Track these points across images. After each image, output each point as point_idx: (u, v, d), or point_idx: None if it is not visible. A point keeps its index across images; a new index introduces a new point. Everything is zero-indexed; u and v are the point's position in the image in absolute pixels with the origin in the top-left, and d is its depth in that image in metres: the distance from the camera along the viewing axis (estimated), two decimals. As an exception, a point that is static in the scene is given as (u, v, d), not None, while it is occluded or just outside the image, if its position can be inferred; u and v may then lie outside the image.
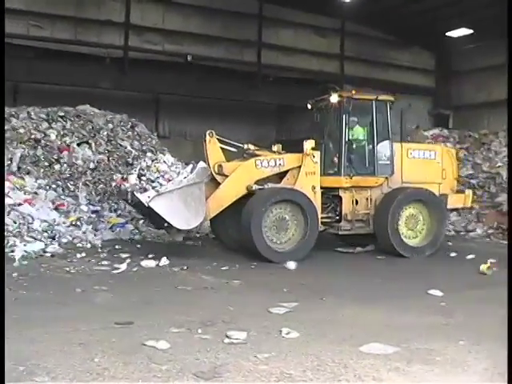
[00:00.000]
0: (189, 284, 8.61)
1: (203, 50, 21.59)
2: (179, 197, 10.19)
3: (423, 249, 11.83)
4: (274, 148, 12.06)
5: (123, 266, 9.60)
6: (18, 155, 14.23)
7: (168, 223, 10.23)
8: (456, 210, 13.37)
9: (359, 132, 12.11)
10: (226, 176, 11.02)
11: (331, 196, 11.88)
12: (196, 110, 21.34)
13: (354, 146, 11.93)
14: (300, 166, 11.34)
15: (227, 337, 5.84)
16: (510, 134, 11.67)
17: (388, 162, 11.98)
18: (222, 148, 11.30)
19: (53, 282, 8.49)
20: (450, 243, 13.32)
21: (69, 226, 11.93)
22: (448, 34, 22.77)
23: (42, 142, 15.32)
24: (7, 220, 11.47)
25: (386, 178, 12.03)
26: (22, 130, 15.68)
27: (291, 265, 10.05)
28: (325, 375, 4.90)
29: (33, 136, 15.45)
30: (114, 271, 9.38)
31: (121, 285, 8.54)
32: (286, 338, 5.95)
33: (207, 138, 11.12)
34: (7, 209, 11.78)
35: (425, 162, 12.36)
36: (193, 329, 6.12)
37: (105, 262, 9.94)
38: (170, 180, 10.59)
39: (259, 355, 5.31)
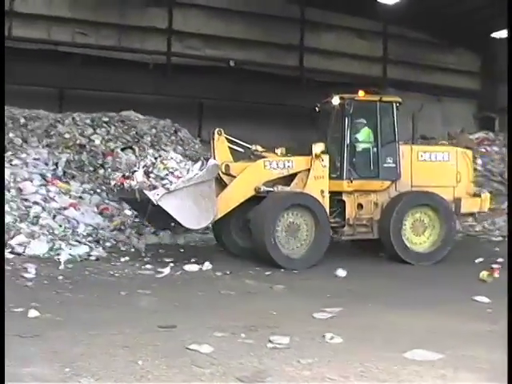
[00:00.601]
0: (232, 288, 8.62)
1: (245, 55, 21.69)
2: (189, 195, 9.90)
3: (430, 255, 11.34)
4: (278, 151, 11.76)
5: (166, 270, 9.64)
6: (63, 160, 14.44)
7: (177, 222, 10.00)
8: (472, 214, 12.69)
9: (365, 134, 11.66)
10: (233, 176, 10.80)
11: (337, 200, 11.52)
12: (238, 115, 21.40)
13: (358, 149, 11.53)
14: (309, 170, 11.08)
15: (270, 341, 5.83)
16: (510, 134, 11.34)
17: (394, 165, 11.52)
18: (229, 148, 11.13)
19: (97, 286, 8.59)
20: (497, 249, 12.85)
21: (113, 230, 12.05)
22: (493, 34, 22.42)
23: (87, 147, 15.55)
24: (53, 224, 11.64)
25: (393, 181, 11.57)
26: (67, 136, 15.95)
27: (341, 272, 9.86)
28: (368, 381, 4.85)
29: (78, 141, 15.71)
30: (158, 275, 9.44)
31: (164, 289, 8.60)
32: (330, 343, 5.91)
33: (215, 136, 10.98)
34: (53, 212, 11.95)
35: (437, 165, 11.85)
36: (236, 333, 6.12)
37: (148, 266, 10.01)
38: (179, 177, 10.12)
39: (302, 360, 5.28)
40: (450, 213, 11.62)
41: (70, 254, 10.43)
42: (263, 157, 11.40)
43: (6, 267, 9.41)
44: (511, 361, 4.52)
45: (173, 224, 10.29)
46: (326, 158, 11.11)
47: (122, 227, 12.21)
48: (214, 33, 21.34)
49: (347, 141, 11.31)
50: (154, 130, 17.18)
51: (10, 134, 15.87)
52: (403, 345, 5.74)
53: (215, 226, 11.61)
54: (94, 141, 15.86)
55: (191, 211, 9.87)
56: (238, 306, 7.56)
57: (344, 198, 11.42)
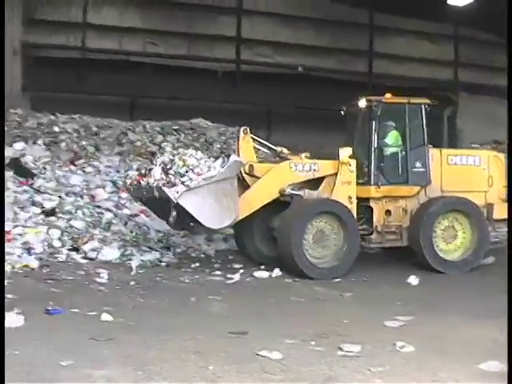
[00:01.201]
0: (302, 295, 8.58)
1: (314, 61, 21.66)
2: (211, 193, 9.45)
3: (463, 264, 10.80)
4: (302, 155, 11.24)
5: (236, 277, 9.68)
6: (134, 167, 14.71)
7: (197, 222, 9.52)
8: (505, 220, 11.87)
9: (393, 138, 11.21)
10: (257, 177, 10.42)
11: (365, 207, 11.02)
12: (307, 121, 21.38)
13: (386, 153, 11.08)
14: (335, 174, 10.65)
15: (341, 349, 5.78)
16: (510, 134, 10.93)
17: (423, 170, 11.02)
18: (254, 148, 10.87)
19: (168, 291, 8.68)
20: None
21: (183, 237, 12.16)
22: None
23: (157, 154, 15.78)
24: (125, 230, 11.86)
25: (422, 186, 11.05)
26: (138, 143, 16.25)
27: (413, 280, 9.69)
28: (443, 391, 4.76)
29: (149, 149, 15.99)
30: (228, 281, 9.48)
31: (235, 295, 8.64)
32: (401, 351, 5.83)
33: (241, 134, 10.69)
34: (124, 219, 12.18)
35: (468, 169, 11.28)
36: (306, 340, 6.10)
37: (218, 272, 10.06)
38: (200, 174, 9.62)
39: (373, 368, 5.22)
40: (482, 219, 11.11)
41: (141, 260, 10.59)
42: (289, 159, 11.05)
43: (80, 272, 9.69)
44: (511, 361, 4.50)
45: (192, 224, 9.78)
46: (353, 162, 10.71)
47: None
48: (283, 40, 21.39)
49: (375, 145, 10.90)
50: (223, 138, 17.33)
51: (83, 142, 16.35)
52: (477, 355, 5.60)
53: (237, 233, 11.35)
54: (164, 148, 16.10)
55: (212, 210, 9.44)
56: (308, 313, 7.53)
57: (372, 204, 10.96)
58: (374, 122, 10.89)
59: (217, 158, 10.29)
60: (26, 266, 9.74)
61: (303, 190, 10.61)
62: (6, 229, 11.20)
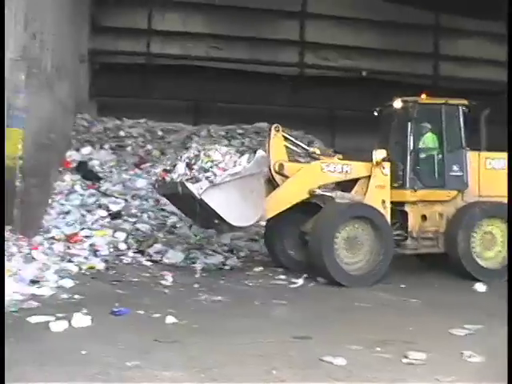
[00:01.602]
0: (366, 301, 8.49)
1: (378, 65, 21.41)
2: (236, 189, 9.13)
3: (503, 271, 10.04)
4: (335, 157, 11.08)
5: (300, 281, 9.63)
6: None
7: (221, 219, 9.21)
8: None
9: (429, 140, 10.82)
10: (286, 177, 10.12)
11: (399, 211, 10.63)
12: (371, 125, 21.13)
13: (422, 156, 10.70)
14: (369, 177, 10.34)
15: (406, 357, 5.68)
16: (510, 133, 10.39)
17: (461, 174, 10.61)
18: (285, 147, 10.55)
19: (232, 294, 8.68)
20: None
21: (247, 241, 12.20)
22: None
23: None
24: (189, 233, 11.97)
25: (459, 191, 10.67)
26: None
27: (480, 287, 9.44)
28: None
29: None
30: (291, 285, 9.45)
31: (298, 299, 8.60)
32: (469, 361, 5.68)
33: (272, 132, 10.36)
34: (188, 222, 12.30)
35: (507, 173, 10.57)
36: (371, 346, 6.02)
37: (282, 276, 10.01)
38: (225, 169, 9.29)
39: (440, 377, 5.11)
40: None
41: (205, 263, 10.68)
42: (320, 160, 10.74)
43: (145, 274, 9.82)
44: (511, 361, 4.46)
45: (216, 221, 9.42)
46: (387, 165, 10.37)
47: (256, 237, 12.32)
48: (347, 43, 21.24)
49: (410, 147, 10.56)
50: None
51: (149, 146, 16.59)
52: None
53: (267, 235, 11.17)
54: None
55: (238, 207, 9.14)
56: (373, 319, 7.42)
57: (406, 208, 10.58)
58: (409, 124, 10.60)
59: (243, 154, 10.04)
60: (93, 267, 9.93)
61: (335, 192, 10.40)
62: (74, 231, 11.52)
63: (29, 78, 10.87)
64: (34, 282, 8.30)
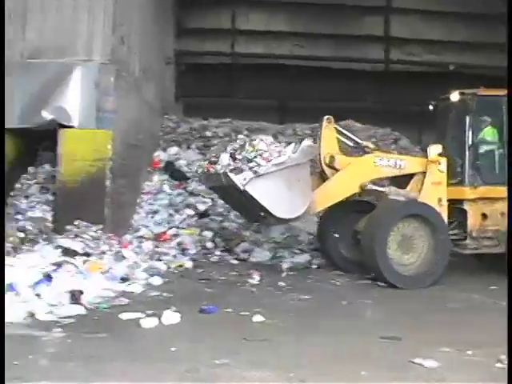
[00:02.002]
0: (458, 302, 8.27)
1: (463, 58, 20.83)
2: (281, 179, 8.77)
3: None
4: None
5: (387, 281, 9.48)
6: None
7: (267, 211, 8.91)
8: None
9: (490, 134, 10.27)
10: (337, 170, 9.78)
11: (456, 209, 10.10)
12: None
13: (482, 151, 10.19)
14: (423, 173, 9.89)
15: (500, 361, 5.46)
16: (510, 132, 9.57)
17: None
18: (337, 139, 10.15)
19: (319, 293, 8.65)
20: None
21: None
22: None
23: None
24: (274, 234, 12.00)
25: None
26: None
27: None
28: None
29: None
30: (380, 284, 9.27)
31: (386, 299, 8.47)
32: None
33: (324, 123, 9.94)
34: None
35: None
36: (462, 349, 5.83)
37: (369, 276, 9.79)
38: (269, 160, 8.93)
39: (536, 383, 4.90)
40: None
41: (292, 262, 10.66)
42: None
43: (232, 273, 9.89)
44: (511, 361, 3.97)
45: (262, 214, 9.12)
46: (443, 161, 9.88)
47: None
48: (434, 37, 20.78)
49: (469, 142, 10.06)
50: (373, 139, 17.07)
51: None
52: None
53: (320, 238, 10.87)
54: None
55: (283, 198, 8.79)
56: (464, 321, 7.20)
57: (465, 206, 10.06)
58: (468, 117, 10.10)
59: (289, 144, 9.68)
60: (181, 265, 10.10)
61: (389, 188, 10.06)
62: (162, 230, 11.74)
63: (117, 80, 11.15)
64: (124, 279, 8.49)
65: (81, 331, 6.18)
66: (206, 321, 6.90)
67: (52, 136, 10.58)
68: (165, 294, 8.15)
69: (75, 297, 7.17)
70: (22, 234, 9.70)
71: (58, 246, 8.63)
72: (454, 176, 10.14)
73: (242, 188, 8.62)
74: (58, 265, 7.87)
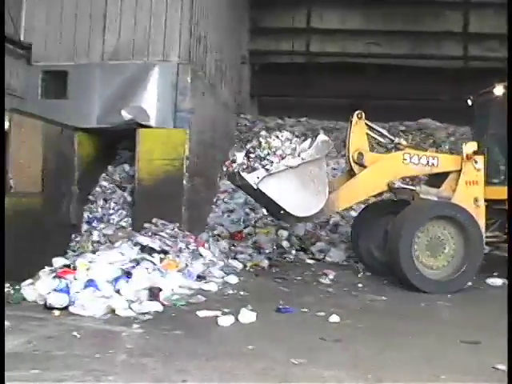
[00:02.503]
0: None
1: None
2: (295, 176, 8.42)
3: None
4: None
5: (469, 283, 9.17)
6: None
7: (282, 208, 8.57)
8: None
9: None
10: (365, 167, 9.37)
11: (498, 210, 9.47)
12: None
13: None
14: (459, 171, 9.37)
15: None
16: (509, 132, 8.79)
17: None
18: (368, 135, 9.73)
19: (396, 295, 8.53)
20: None
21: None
22: None
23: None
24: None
25: None
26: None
27: None
28: None
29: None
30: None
31: (466, 302, 8.24)
32: None
33: (354, 118, 9.55)
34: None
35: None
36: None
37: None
38: (283, 157, 8.58)
39: None
40: None
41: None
42: None
43: (308, 272, 9.86)
44: (511, 361, 3.84)
45: (282, 212, 8.72)
46: (480, 159, 9.36)
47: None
48: (508, 31, 20.18)
49: None
50: (452, 138, 16.73)
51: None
52: None
53: (353, 238, 10.52)
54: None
55: (299, 195, 8.44)
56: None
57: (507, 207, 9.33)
58: None
59: (304, 140, 9.12)
60: (257, 264, 10.14)
61: (419, 186, 9.65)
62: (238, 228, 11.82)
63: (194, 80, 11.28)
64: (200, 277, 8.58)
65: (158, 328, 6.28)
66: (282, 320, 6.89)
67: (130, 135, 10.78)
68: (241, 293, 8.20)
69: (153, 294, 7.29)
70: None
71: (137, 244, 8.78)
72: (497, 175, 9.65)
73: (255, 187, 8.37)
74: (137, 262, 8.01)
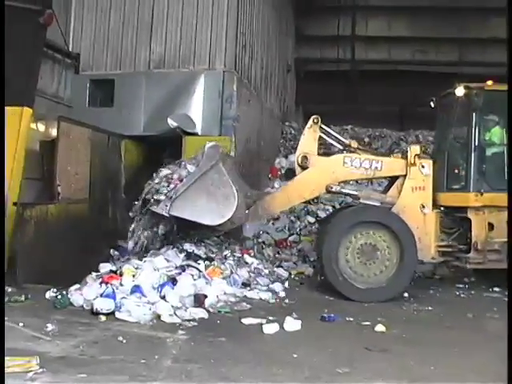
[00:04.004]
0: None
1: None
2: (199, 190, 8.32)
3: None
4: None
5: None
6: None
7: (200, 225, 8.49)
8: None
9: (498, 135, 9.15)
10: None
11: (458, 218, 9.13)
12: None
13: (489, 154, 9.08)
14: (405, 176, 9.02)
15: None
16: (510, 132, 8.29)
17: None
18: (323, 141, 9.53)
19: (443, 305, 8.38)
20: None
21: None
22: None
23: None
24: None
25: None
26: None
27: None
28: None
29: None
30: (506, 299, 8.83)
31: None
32: None
33: (309, 122, 9.28)
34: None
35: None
36: None
37: (497, 289, 9.34)
38: (181, 180, 8.55)
39: None
40: None
41: (415, 271, 10.40)
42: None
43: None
44: (511, 361, 3.83)
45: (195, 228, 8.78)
46: (427, 164, 9.01)
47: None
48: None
49: (475, 143, 8.94)
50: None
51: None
52: None
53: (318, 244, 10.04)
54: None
55: (210, 206, 8.29)
56: None
57: (470, 215, 8.96)
58: (474, 115, 8.98)
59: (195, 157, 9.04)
60: (302, 272, 10.12)
61: (362, 191, 9.36)
62: (283, 236, 11.80)
63: (239, 88, 11.33)
64: (245, 284, 8.59)
65: (203, 334, 6.31)
66: (327, 329, 6.86)
67: (176, 143, 10.87)
68: (286, 301, 8.18)
69: (199, 300, 7.32)
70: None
71: (183, 250, 8.82)
72: (457, 181, 9.27)
73: (168, 215, 8.36)
74: (182, 268, 8.06)
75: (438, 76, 19.40)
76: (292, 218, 12.56)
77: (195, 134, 11.02)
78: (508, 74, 8.44)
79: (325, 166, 9.18)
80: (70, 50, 11.71)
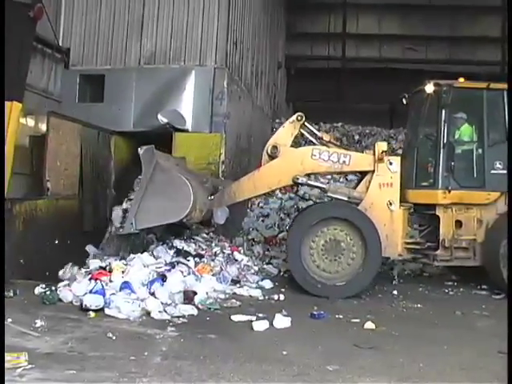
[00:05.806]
0: None
1: None
2: (153, 195, 8.19)
3: None
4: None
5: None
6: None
7: (168, 224, 8.53)
8: None
9: (467, 132, 9.24)
10: None
11: (427, 216, 9.19)
12: None
13: (458, 151, 9.11)
14: (373, 172, 8.99)
15: None
16: (510, 132, 8.42)
17: (504, 172, 8.77)
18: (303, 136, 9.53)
19: (432, 303, 8.40)
20: None
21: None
22: None
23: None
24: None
25: (502, 193, 8.83)
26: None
27: None
28: None
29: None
30: (495, 296, 8.87)
31: (502, 312, 8.06)
32: None
33: (293, 118, 9.25)
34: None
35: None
36: None
37: (484, 286, 9.39)
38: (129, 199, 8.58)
39: None
40: None
41: (404, 269, 10.47)
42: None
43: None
44: (511, 361, 3.85)
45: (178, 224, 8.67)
46: (395, 161, 8.98)
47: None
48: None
49: (444, 140, 8.95)
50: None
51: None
52: None
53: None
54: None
55: (170, 205, 8.18)
56: None
57: (438, 212, 9.00)
58: (443, 112, 9.00)
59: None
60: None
61: (329, 184, 9.39)
62: (272, 233, 11.80)
63: (230, 85, 11.31)
64: (235, 281, 8.58)
65: (193, 331, 6.30)
66: (316, 326, 6.85)
67: (166, 139, 10.84)
68: (275, 298, 8.17)
69: (188, 297, 7.31)
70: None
71: (172, 247, 8.80)
72: (426, 178, 9.24)
73: (137, 231, 8.26)
74: (172, 265, 8.04)
75: (428, 74, 19.48)
76: (282, 215, 12.58)
77: (185, 131, 11.00)
78: (508, 73, 8.47)
79: (293, 156, 9.12)
80: (60, 44, 11.64)
